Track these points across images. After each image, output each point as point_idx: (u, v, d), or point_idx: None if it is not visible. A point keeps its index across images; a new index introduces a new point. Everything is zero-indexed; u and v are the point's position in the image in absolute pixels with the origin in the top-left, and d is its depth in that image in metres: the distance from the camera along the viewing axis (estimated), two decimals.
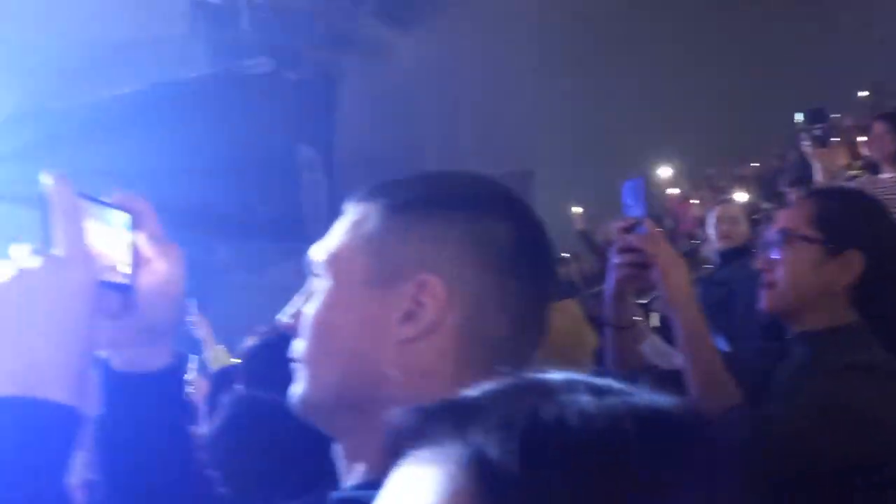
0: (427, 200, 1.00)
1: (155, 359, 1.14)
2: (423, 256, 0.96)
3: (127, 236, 1.09)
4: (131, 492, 1.12)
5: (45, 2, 12.38)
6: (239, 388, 2.64)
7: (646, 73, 15.01)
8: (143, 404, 1.12)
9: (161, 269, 1.11)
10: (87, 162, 11.45)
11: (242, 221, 13.22)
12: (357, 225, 1.02)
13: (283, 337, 2.45)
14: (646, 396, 0.51)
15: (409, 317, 0.94)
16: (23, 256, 0.94)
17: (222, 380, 3.29)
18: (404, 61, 13.95)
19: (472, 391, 0.53)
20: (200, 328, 5.48)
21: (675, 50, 15.14)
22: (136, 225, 1.10)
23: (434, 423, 0.51)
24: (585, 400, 0.49)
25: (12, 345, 0.91)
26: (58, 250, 0.94)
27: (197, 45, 14.29)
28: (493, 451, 0.46)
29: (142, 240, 1.10)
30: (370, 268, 0.98)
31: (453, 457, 0.48)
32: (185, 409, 1.24)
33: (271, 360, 2.39)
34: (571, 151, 14.84)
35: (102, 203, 1.06)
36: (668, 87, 15.10)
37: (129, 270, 1.08)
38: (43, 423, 0.89)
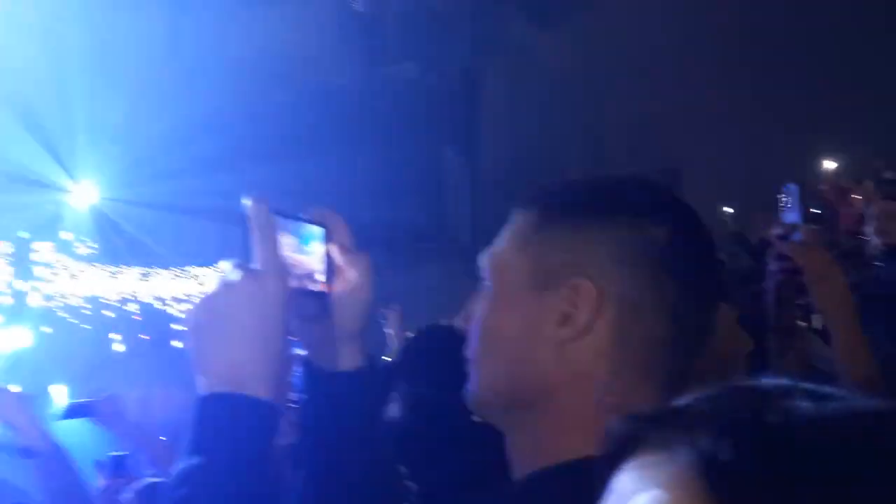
0: (582, 205, 1.04)
1: (349, 359, 1.25)
2: (576, 260, 1.00)
3: (321, 248, 1.21)
4: (329, 481, 1.22)
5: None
6: (404, 384, 2.68)
7: (800, 65, 14.28)
8: (340, 400, 1.22)
9: (351, 277, 1.22)
10: (259, 173, 12.24)
11: (389, 225, 13.61)
12: (517, 230, 1.07)
13: (443, 334, 2.56)
14: (863, 400, 0.51)
15: (564, 319, 0.99)
16: (227, 270, 1.06)
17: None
18: (548, 61, 13.91)
19: (686, 398, 0.54)
20: (390, 324, 5.57)
21: (834, 38, 14.31)
22: (329, 237, 1.22)
23: (657, 429, 0.52)
24: (806, 405, 0.49)
25: (219, 348, 1.04)
26: (256, 264, 1.07)
27: (345, 54, 14.78)
28: (725, 454, 0.46)
29: (334, 251, 1.22)
30: (528, 272, 1.03)
31: (683, 461, 0.48)
32: (378, 406, 1.35)
33: (429, 357, 2.54)
34: (720, 148, 14.33)
35: (299, 218, 1.19)
36: (823, 80, 14.31)
37: (324, 279, 1.21)
38: (246, 416, 1.01)
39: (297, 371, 1.80)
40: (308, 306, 1.20)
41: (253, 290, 1.04)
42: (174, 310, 15.96)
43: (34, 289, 15.99)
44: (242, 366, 1.02)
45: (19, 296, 16.02)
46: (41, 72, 13.38)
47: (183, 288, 16.13)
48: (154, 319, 15.79)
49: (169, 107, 13.53)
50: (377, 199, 13.03)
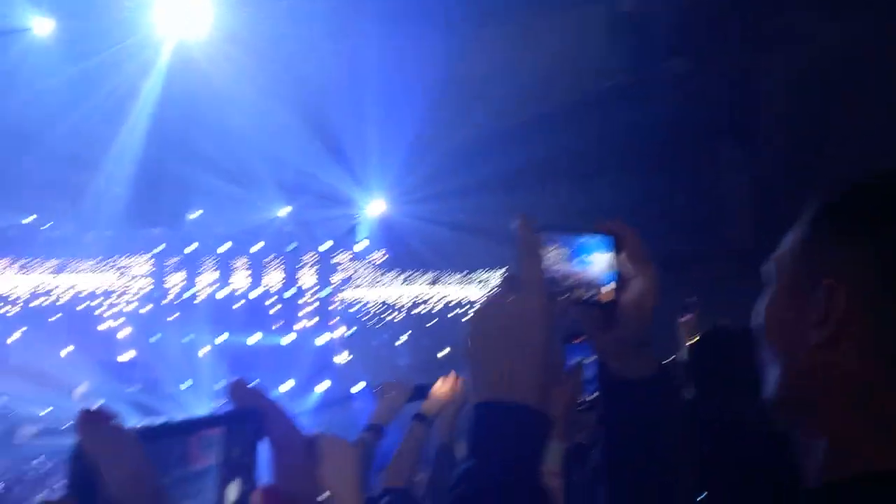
0: (847, 208, 1.02)
1: (641, 366, 1.27)
2: (834, 264, 0.99)
3: (605, 257, 1.23)
4: (629, 482, 1.28)
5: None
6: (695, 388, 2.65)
7: None
8: (637, 407, 1.26)
9: (638, 285, 1.23)
10: (541, 191, 12.64)
11: (665, 223, 13.33)
12: (795, 232, 1.07)
13: (729, 337, 2.46)
14: None
15: (820, 322, 0.98)
16: (494, 286, 1.17)
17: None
18: (821, 50, 12.81)
19: None
20: (684, 330, 5.37)
21: None
22: (618, 247, 1.24)
23: None
24: None
25: (490, 359, 1.10)
26: (521, 280, 1.12)
27: (612, 55, 14.65)
28: None
29: (623, 260, 1.24)
30: (795, 273, 1.04)
31: None
32: (674, 413, 1.34)
33: (717, 360, 2.46)
34: None
35: (580, 231, 1.23)
36: None
37: (609, 288, 1.23)
38: (517, 423, 1.06)
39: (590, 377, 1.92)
40: (594, 316, 1.24)
41: (517, 306, 1.10)
42: (461, 312, 16.97)
43: (337, 294, 17.79)
44: (512, 375, 1.07)
45: (324, 301, 17.88)
46: (341, 98, 14.67)
47: (468, 293, 17.04)
48: (444, 321, 16.87)
49: (456, 127, 14.25)
50: (651, 196, 12.83)
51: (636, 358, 1.27)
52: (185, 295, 19.28)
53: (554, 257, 1.18)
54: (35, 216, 19.46)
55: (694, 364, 2.84)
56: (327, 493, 2.30)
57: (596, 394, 2.16)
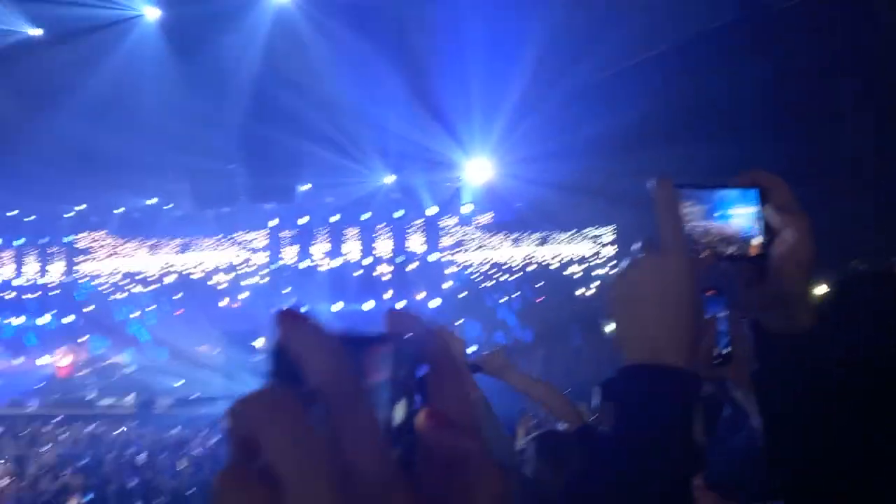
0: None
1: (799, 319, 1.21)
2: None
3: (750, 211, 1.18)
4: (792, 436, 1.24)
5: None
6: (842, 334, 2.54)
7: None
8: (795, 362, 1.21)
9: (790, 237, 1.18)
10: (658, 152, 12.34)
11: (782, 168, 12.76)
12: None
13: (872, 280, 2.30)
14: None
15: None
16: (636, 249, 1.10)
17: None
18: None
19: None
20: None
21: None
22: (765, 198, 1.18)
23: None
24: None
25: (634, 322, 1.08)
26: (662, 241, 1.09)
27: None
28: None
29: (770, 211, 1.19)
30: None
31: None
32: (832, 366, 1.29)
33: (862, 306, 2.28)
34: None
35: (718, 186, 1.18)
36: None
37: (759, 242, 1.18)
38: (664, 385, 1.05)
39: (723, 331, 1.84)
40: (745, 271, 1.20)
41: (661, 266, 1.09)
42: (573, 270, 16.86)
43: (446, 258, 17.95)
44: (660, 338, 1.06)
45: (436, 265, 18.07)
46: (444, 62, 14.67)
47: (579, 250, 16.89)
48: (554, 280, 16.81)
49: (561, 86, 14.03)
50: (766, 141, 12.31)
51: (793, 311, 1.22)
52: (302, 265, 19.89)
53: (693, 214, 1.15)
54: (156, 199, 20.42)
55: (839, 311, 2.77)
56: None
57: (729, 348, 2.16)
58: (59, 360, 19.83)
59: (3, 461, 10.69)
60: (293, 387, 0.43)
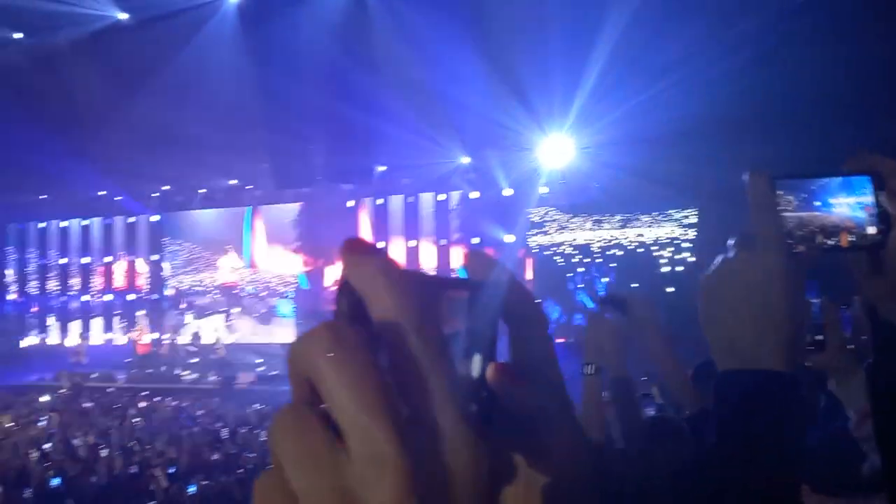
0: None
1: None
2: None
3: (867, 198, 1.10)
4: None
5: None
6: None
7: None
8: None
9: None
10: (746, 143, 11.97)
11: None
12: None
13: None
14: None
15: None
16: (730, 246, 1.05)
17: None
18: None
19: None
20: None
21: None
22: (879, 184, 1.10)
23: None
24: None
25: (728, 325, 1.03)
26: (758, 237, 1.04)
27: None
28: None
29: (887, 198, 1.11)
30: None
31: None
32: None
33: None
34: None
35: (826, 174, 1.10)
36: None
37: (875, 230, 1.10)
38: (765, 392, 1.00)
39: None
40: (857, 260, 1.13)
41: (756, 264, 1.04)
42: (660, 254, 16.54)
43: (522, 240, 17.80)
44: (757, 341, 1.02)
45: (512, 247, 17.95)
46: (525, 42, 14.50)
47: (663, 233, 16.55)
48: (639, 263, 16.53)
49: (646, 70, 13.68)
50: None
51: None
52: (379, 245, 20.05)
53: (792, 206, 1.08)
54: (236, 181, 20.91)
55: None
56: (592, 366, 2.23)
57: (822, 336, 2.11)
58: (139, 336, 20.54)
59: (92, 433, 11.13)
60: (359, 327, 0.40)
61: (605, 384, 2.66)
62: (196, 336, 20.75)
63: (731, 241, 1.07)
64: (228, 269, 21.59)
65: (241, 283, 21.54)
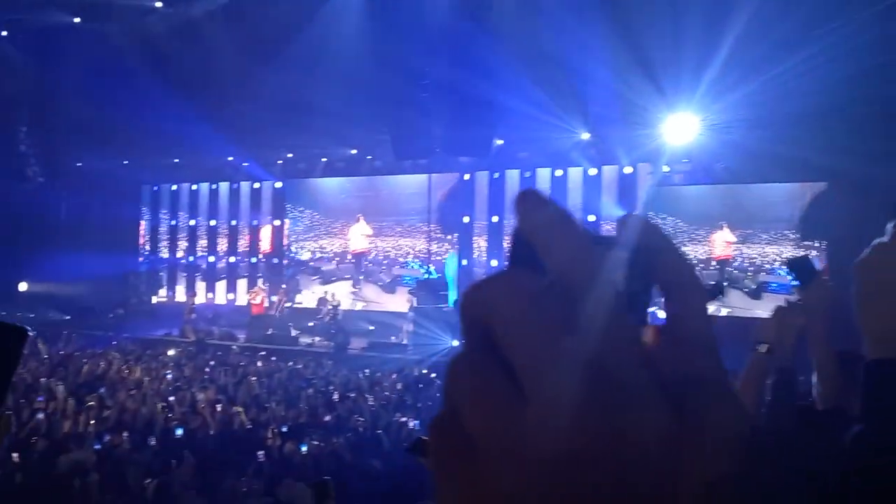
0: None
1: None
2: None
3: None
4: None
5: None
6: None
7: None
8: None
9: None
10: None
11: None
12: None
13: None
14: None
15: None
16: (889, 230, 1.01)
17: None
18: None
19: None
20: None
21: None
22: None
23: None
24: None
25: (883, 313, 0.99)
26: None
27: None
28: None
29: None
30: None
31: None
32: None
33: None
34: None
35: None
36: None
37: None
38: None
39: None
40: None
41: None
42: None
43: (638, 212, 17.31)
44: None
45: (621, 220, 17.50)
46: (654, 14, 14.03)
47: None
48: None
49: (776, 51, 13.00)
50: None
51: None
52: (494, 220, 20.03)
53: None
54: (355, 150, 21.30)
55: None
56: (766, 346, 2.19)
57: None
58: (254, 298, 21.30)
59: (212, 388, 11.63)
60: (533, 274, 0.41)
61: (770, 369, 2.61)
62: (317, 300, 21.38)
63: (889, 225, 1.02)
64: (359, 235, 21.99)
65: (367, 251, 21.93)
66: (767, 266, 16.26)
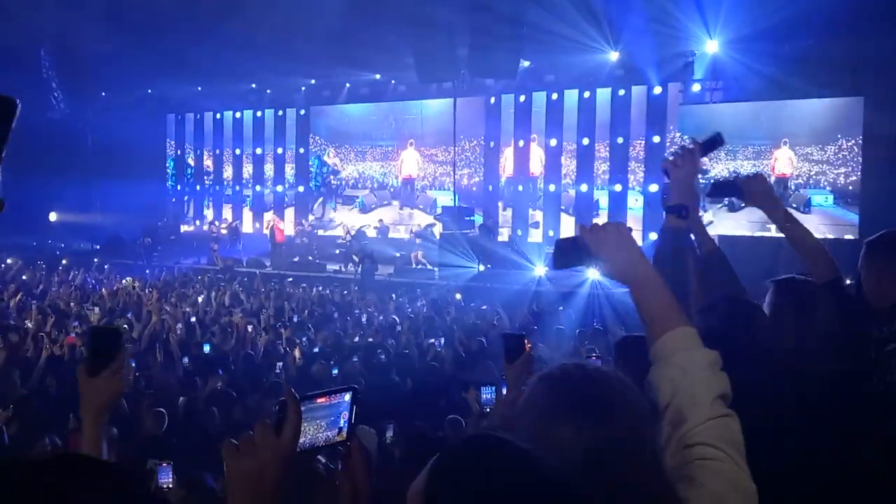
0: None
1: None
2: None
3: None
4: None
5: None
6: None
7: None
8: None
9: None
10: None
11: None
12: None
13: None
14: None
15: None
16: None
17: None
18: None
19: None
20: None
21: None
22: None
23: None
24: None
25: None
26: None
27: None
28: None
29: None
30: None
31: None
32: None
33: None
34: None
35: None
36: None
37: None
38: None
39: None
40: None
41: None
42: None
43: (668, 140, 17.02)
44: None
45: (660, 147, 17.22)
46: None
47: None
48: None
49: None
50: None
51: None
52: (521, 144, 19.76)
53: None
54: (378, 75, 20.92)
55: None
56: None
57: None
58: (277, 225, 21.31)
59: (240, 311, 11.76)
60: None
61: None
62: (344, 227, 21.39)
63: None
64: (411, 161, 21.76)
65: (415, 177, 21.73)
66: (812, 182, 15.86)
